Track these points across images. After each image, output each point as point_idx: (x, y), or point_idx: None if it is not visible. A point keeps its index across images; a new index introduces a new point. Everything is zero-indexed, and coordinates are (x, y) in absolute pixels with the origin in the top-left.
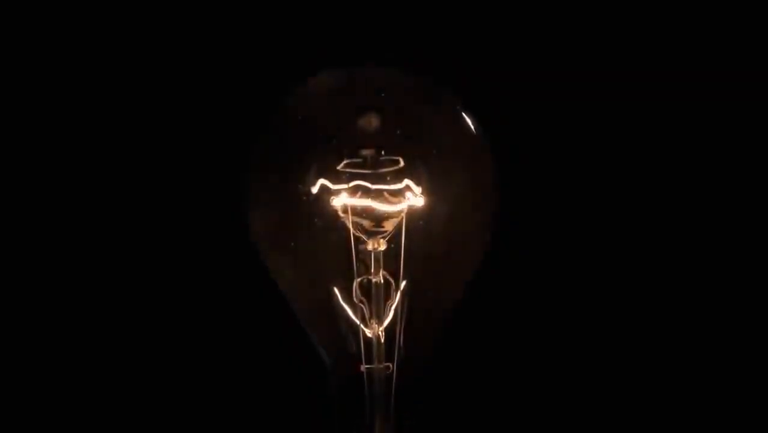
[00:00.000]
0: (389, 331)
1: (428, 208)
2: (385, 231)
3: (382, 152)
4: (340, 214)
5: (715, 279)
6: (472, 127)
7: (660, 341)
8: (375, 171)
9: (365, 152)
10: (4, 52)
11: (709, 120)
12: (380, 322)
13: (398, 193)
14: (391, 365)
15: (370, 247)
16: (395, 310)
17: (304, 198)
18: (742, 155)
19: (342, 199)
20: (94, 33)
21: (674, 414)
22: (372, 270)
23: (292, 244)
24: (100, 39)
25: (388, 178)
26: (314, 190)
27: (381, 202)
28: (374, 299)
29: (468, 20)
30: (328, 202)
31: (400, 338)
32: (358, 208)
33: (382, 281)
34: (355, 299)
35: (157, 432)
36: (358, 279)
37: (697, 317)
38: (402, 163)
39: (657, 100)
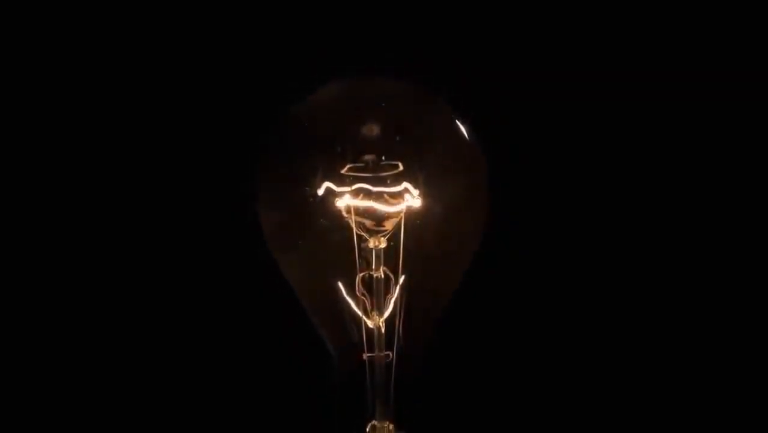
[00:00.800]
0: (389, 322)
1: (425, 209)
2: (386, 230)
3: (383, 157)
4: (344, 214)
5: (709, 278)
6: (466, 133)
7: (654, 339)
8: (376, 175)
9: (367, 158)
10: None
11: (705, 122)
12: (381, 314)
13: (397, 195)
14: (390, 354)
15: (371, 244)
16: (394, 302)
17: (311, 200)
18: (737, 157)
19: (345, 201)
20: (112, 42)
21: (669, 411)
22: (373, 266)
23: (300, 242)
24: (117, 47)
25: (388, 182)
26: (320, 192)
27: (381, 204)
28: (375, 293)
29: (463, 30)
30: (333, 203)
31: (399, 328)
32: (361, 208)
33: (382, 276)
34: (357, 293)
35: (162, 423)
36: (361, 274)
37: (694, 318)
38: (401, 168)
39: (649, 102)
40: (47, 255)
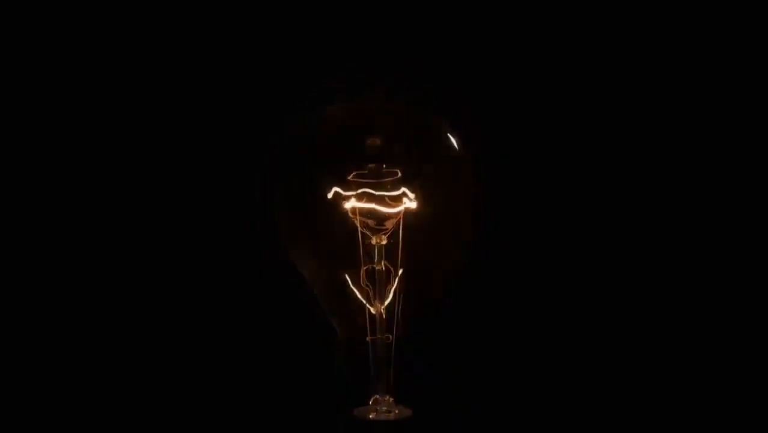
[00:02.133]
0: (389, 309)
1: (421, 211)
2: (386, 229)
3: (384, 165)
4: (350, 215)
5: (702, 277)
6: (456, 144)
7: (642, 332)
8: (378, 180)
9: (370, 165)
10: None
11: (694, 128)
12: (382, 302)
13: (397, 199)
14: (390, 336)
15: (374, 242)
16: (394, 292)
17: (322, 203)
18: (728, 156)
19: (351, 203)
20: (131, 52)
21: (659, 406)
22: (375, 260)
23: (312, 239)
24: (136, 58)
25: (389, 187)
26: (329, 196)
27: (383, 206)
28: (377, 284)
29: (455, 50)
30: (341, 205)
31: (397, 314)
32: (365, 210)
33: (383, 269)
34: (362, 284)
35: (178, 402)
36: (365, 267)
37: (690, 319)
38: (399, 174)
39: (639, 107)
40: (59, 256)
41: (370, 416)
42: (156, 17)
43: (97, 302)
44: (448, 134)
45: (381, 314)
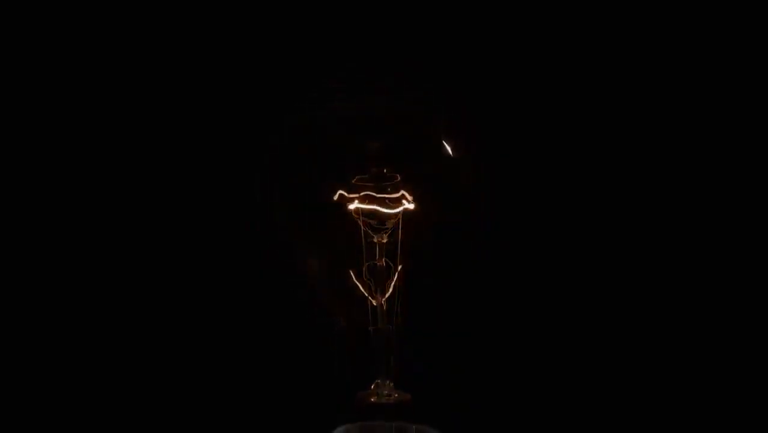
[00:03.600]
0: (389, 301)
1: (419, 212)
2: (387, 228)
3: (385, 170)
4: (354, 215)
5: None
6: (451, 150)
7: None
8: (379, 184)
9: (372, 170)
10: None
11: (692, 133)
12: (383, 295)
13: (396, 201)
14: (391, 326)
15: (375, 240)
16: (394, 286)
17: (327, 204)
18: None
19: (355, 205)
20: (132, 53)
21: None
22: (377, 257)
23: (319, 238)
24: (137, 58)
25: (389, 189)
26: (335, 198)
27: (383, 207)
28: (378, 278)
29: (455, 49)
30: (345, 207)
31: (397, 306)
32: (367, 211)
33: (384, 264)
34: (364, 278)
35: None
36: (367, 263)
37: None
38: (399, 178)
39: (632, 111)
40: (59, 257)
41: (372, 400)
42: (156, 17)
43: (98, 301)
44: (446, 139)
45: (382, 305)
